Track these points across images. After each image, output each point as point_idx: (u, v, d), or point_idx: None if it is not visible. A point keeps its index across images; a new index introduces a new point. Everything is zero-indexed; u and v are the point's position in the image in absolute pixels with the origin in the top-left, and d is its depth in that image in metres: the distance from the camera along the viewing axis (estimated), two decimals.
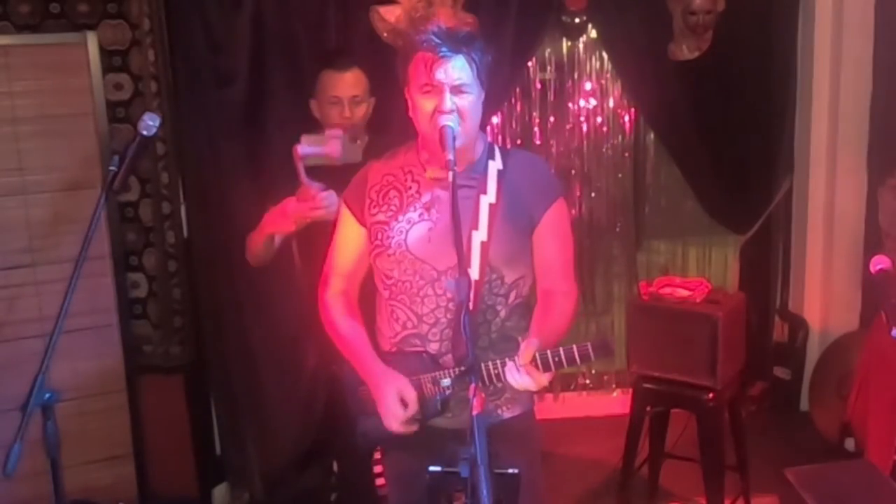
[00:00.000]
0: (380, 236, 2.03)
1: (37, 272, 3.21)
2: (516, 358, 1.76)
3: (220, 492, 3.72)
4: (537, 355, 1.75)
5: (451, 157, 1.81)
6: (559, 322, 1.95)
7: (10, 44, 3.15)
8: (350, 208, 2.12)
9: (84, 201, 3.12)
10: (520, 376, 1.76)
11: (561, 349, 1.77)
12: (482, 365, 1.89)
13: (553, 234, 2.04)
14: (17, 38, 3.17)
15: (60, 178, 3.23)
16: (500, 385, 2.00)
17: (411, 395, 1.95)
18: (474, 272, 1.95)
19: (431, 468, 1.71)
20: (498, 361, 1.87)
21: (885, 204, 3.80)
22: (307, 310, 2.70)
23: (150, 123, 2.00)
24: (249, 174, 3.54)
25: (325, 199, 2.42)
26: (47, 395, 1.78)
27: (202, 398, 3.65)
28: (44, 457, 1.81)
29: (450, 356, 1.98)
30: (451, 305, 1.97)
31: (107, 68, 3.29)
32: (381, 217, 2.04)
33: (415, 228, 2.00)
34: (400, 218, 2.01)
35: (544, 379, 1.76)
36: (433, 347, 1.99)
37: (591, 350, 1.78)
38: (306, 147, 2.52)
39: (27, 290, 3.21)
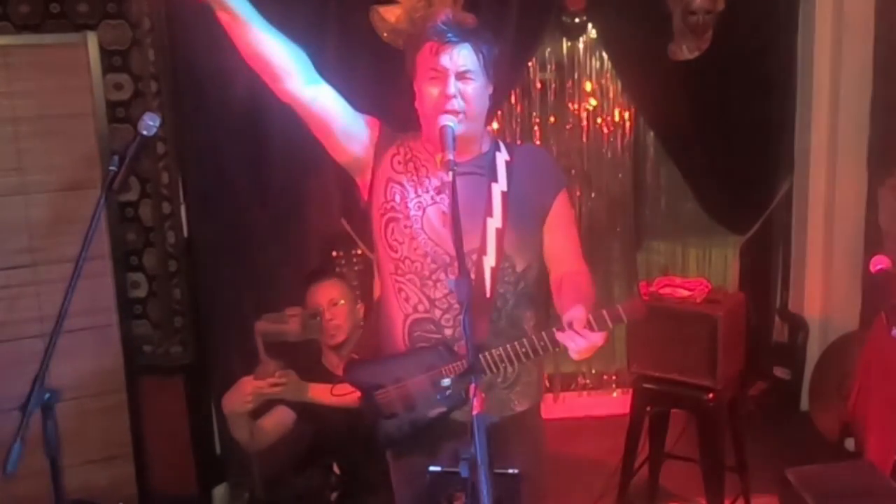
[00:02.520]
0: (397, 199, 2.02)
1: (37, 272, 3.22)
2: (568, 324, 1.79)
3: (220, 492, 3.72)
4: (591, 316, 1.78)
5: (450, 156, 1.81)
6: (586, 295, 1.96)
7: (10, 44, 3.15)
8: (379, 130, 2.05)
9: (84, 201, 3.12)
10: (577, 340, 1.79)
11: (614, 306, 1.83)
12: (524, 340, 1.92)
13: (562, 223, 2.08)
14: (17, 38, 3.17)
15: (60, 178, 3.23)
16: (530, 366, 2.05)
17: None
18: (491, 259, 1.97)
19: (431, 468, 1.72)
20: (543, 334, 1.90)
21: (885, 204, 3.80)
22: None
23: (150, 123, 2.00)
24: (249, 174, 3.54)
25: (285, 377, 2.53)
26: (47, 395, 1.78)
27: (202, 398, 3.64)
28: (44, 457, 1.81)
29: (463, 342, 1.98)
30: None
31: (107, 68, 3.29)
32: (402, 179, 2.03)
33: (430, 209, 2.01)
34: (419, 191, 2.02)
35: (600, 338, 1.80)
36: (447, 333, 2.00)
37: (632, 308, 1.84)
38: (267, 325, 2.65)
39: (27, 290, 3.21)
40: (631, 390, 3.41)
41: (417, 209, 2.00)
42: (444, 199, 2.00)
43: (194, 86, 3.44)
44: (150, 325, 3.53)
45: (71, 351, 3.04)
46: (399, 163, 2.05)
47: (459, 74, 1.92)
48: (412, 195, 2.01)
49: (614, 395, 4.61)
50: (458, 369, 1.95)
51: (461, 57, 1.91)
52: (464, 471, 1.52)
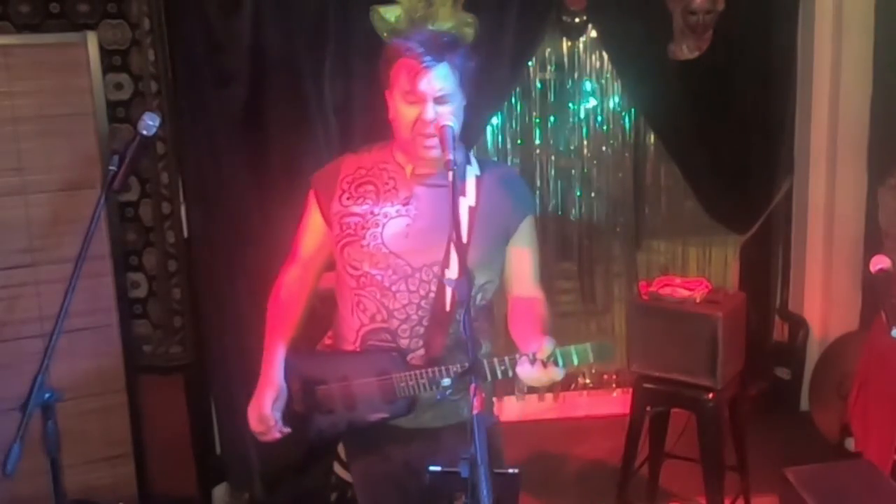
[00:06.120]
0: (353, 226, 2.01)
1: (37, 272, 3.21)
2: (530, 354, 1.78)
3: (220, 492, 3.72)
4: (558, 352, 1.77)
5: (451, 156, 1.81)
6: (544, 322, 1.97)
7: (11, 44, 3.14)
8: (317, 197, 2.10)
9: (84, 201, 3.12)
10: (534, 370, 1.78)
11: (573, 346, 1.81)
12: (485, 362, 1.90)
13: (527, 246, 2.08)
14: (17, 38, 3.16)
15: (60, 178, 3.23)
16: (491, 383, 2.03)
17: (268, 422, 2.12)
18: (452, 272, 1.95)
19: (431, 468, 1.71)
20: (506, 359, 1.88)
21: (885, 204, 3.81)
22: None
23: (150, 123, 2.00)
24: (249, 174, 3.54)
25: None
26: (47, 395, 1.78)
27: (202, 398, 3.65)
28: (44, 457, 1.81)
29: (418, 353, 1.99)
30: (423, 303, 1.97)
31: (107, 68, 3.29)
32: (354, 209, 2.02)
33: (392, 223, 2.00)
34: (376, 211, 2.01)
35: (559, 374, 1.79)
36: (403, 343, 1.99)
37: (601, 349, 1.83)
38: None
39: (27, 290, 3.21)
40: (631, 390, 3.41)
41: (376, 226, 2.00)
42: (412, 211, 2.00)
43: (194, 86, 3.44)
44: (150, 325, 3.53)
45: (71, 351, 3.05)
46: (349, 197, 2.04)
47: (438, 98, 1.89)
48: (369, 217, 2.01)
49: (614, 395, 4.61)
50: (409, 379, 1.95)
51: (439, 80, 1.88)
52: (464, 471, 1.52)
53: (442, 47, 1.89)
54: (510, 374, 1.86)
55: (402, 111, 1.93)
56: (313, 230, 2.14)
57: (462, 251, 1.73)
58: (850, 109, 4.04)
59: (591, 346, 1.80)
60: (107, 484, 3.38)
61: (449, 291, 1.95)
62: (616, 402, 4.50)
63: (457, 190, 1.79)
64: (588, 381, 4.65)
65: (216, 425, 3.73)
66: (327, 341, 2.21)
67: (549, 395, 4.58)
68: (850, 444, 3.65)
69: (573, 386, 4.64)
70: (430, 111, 1.89)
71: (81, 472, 3.25)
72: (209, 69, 3.44)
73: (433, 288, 1.96)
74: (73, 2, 3.23)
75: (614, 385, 4.63)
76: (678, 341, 3.17)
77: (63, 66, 3.21)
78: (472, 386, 1.55)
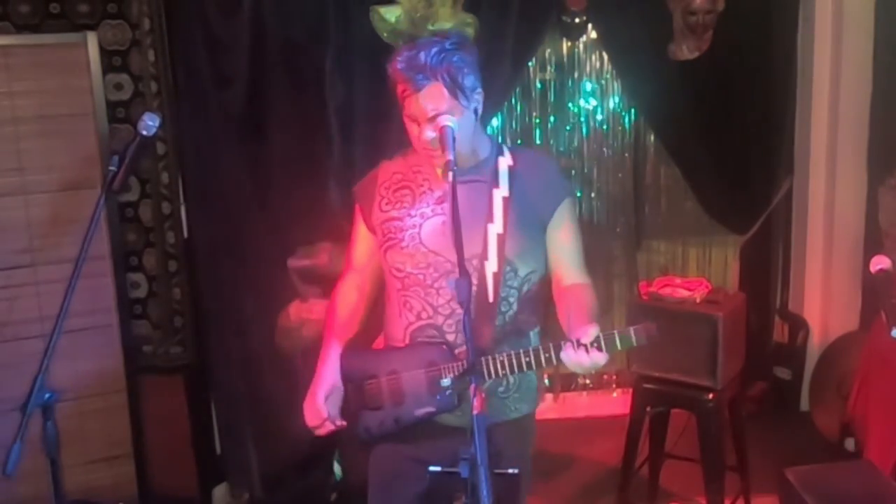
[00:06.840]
0: (393, 230, 2.05)
1: (37, 272, 3.22)
2: (574, 340, 1.79)
3: (220, 492, 3.72)
4: (601, 335, 1.79)
5: (450, 157, 1.81)
6: (591, 310, 1.98)
7: (11, 44, 3.15)
8: (360, 207, 2.16)
9: (84, 201, 3.12)
10: (578, 356, 1.79)
11: (626, 329, 1.83)
12: (529, 350, 1.91)
13: (566, 232, 2.08)
14: (17, 38, 3.17)
15: (60, 178, 3.23)
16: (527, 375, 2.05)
17: (322, 414, 2.07)
18: (492, 264, 1.97)
19: (431, 468, 1.72)
20: (551, 346, 1.88)
21: (885, 204, 3.81)
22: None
23: (149, 123, 2.00)
24: (249, 174, 3.54)
25: (320, 304, 2.58)
26: (47, 395, 1.78)
27: (202, 398, 3.65)
28: (44, 457, 1.81)
29: (465, 347, 1.99)
30: None
31: (107, 68, 3.29)
32: (393, 213, 2.06)
33: (428, 222, 2.02)
34: (413, 213, 2.04)
35: (603, 358, 1.80)
36: (449, 338, 2.00)
37: (643, 332, 1.83)
38: (298, 260, 2.74)
39: (27, 290, 3.21)
40: (631, 390, 3.40)
41: (414, 227, 2.02)
42: (446, 208, 2.01)
43: (194, 86, 3.44)
44: (150, 325, 3.53)
45: (71, 351, 3.04)
46: (387, 203, 2.08)
47: (431, 118, 1.90)
48: (406, 219, 2.04)
49: (614, 395, 4.61)
50: (456, 370, 1.94)
51: (430, 101, 1.89)
52: (464, 471, 1.52)
53: (430, 66, 1.88)
54: (554, 361, 1.87)
55: (408, 126, 1.98)
56: (361, 240, 2.19)
57: (462, 253, 1.73)
58: (850, 109, 4.04)
59: (634, 331, 1.82)
60: (107, 484, 3.39)
61: (491, 283, 1.97)
62: (616, 403, 4.50)
63: (456, 192, 1.79)
64: (588, 381, 4.65)
65: (216, 425, 3.73)
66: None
67: (549, 396, 4.57)
68: (850, 444, 3.64)
69: (573, 386, 4.64)
70: (427, 132, 1.92)
71: (81, 472, 3.26)
72: (209, 69, 3.44)
73: (475, 281, 1.95)
74: (73, 2, 3.23)
75: (614, 385, 4.63)
76: (678, 341, 3.16)
77: (63, 66, 3.21)
78: (472, 386, 1.55)
